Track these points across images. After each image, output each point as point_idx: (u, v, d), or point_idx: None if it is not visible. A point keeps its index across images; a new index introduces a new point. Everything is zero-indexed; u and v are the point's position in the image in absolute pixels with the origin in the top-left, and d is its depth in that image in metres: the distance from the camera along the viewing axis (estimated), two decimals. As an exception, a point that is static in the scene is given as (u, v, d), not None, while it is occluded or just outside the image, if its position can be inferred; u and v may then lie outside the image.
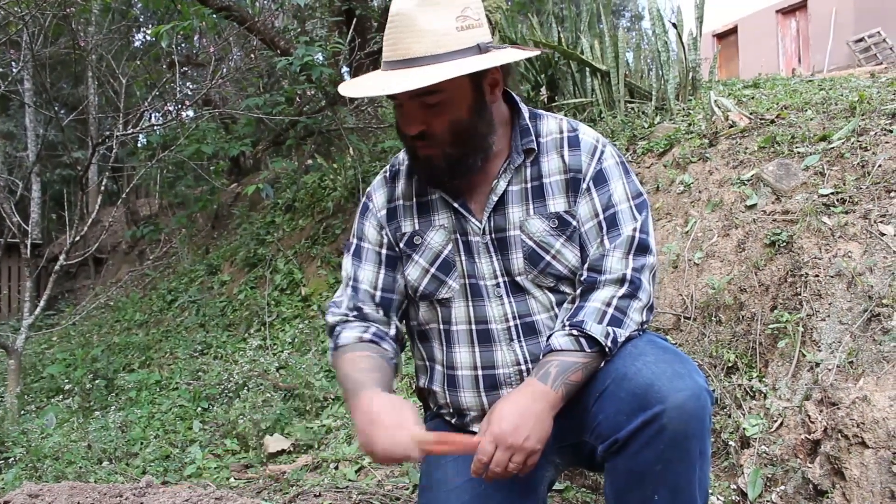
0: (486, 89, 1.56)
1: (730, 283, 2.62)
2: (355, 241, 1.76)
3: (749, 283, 2.57)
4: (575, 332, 1.49)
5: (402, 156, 1.74)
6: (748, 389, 2.33)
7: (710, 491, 2.09)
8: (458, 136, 1.53)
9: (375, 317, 1.69)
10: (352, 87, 1.58)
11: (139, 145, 9.37)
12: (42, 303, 5.33)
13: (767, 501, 2.01)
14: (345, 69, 6.90)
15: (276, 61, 6.16)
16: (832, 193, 2.61)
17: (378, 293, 1.70)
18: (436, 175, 1.59)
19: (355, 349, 1.63)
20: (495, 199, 1.61)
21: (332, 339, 1.69)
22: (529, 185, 1.62)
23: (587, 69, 4.48)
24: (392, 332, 1.70)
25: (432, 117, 1.51)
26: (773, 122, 3.35)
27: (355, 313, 1.69)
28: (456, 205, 1.63)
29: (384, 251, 1.72)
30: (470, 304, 1.64)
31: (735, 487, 2.11)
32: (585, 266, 1.58)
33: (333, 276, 5.50)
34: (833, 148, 2.83)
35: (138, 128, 6.16)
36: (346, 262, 1.76)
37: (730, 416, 2.28)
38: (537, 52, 1.90)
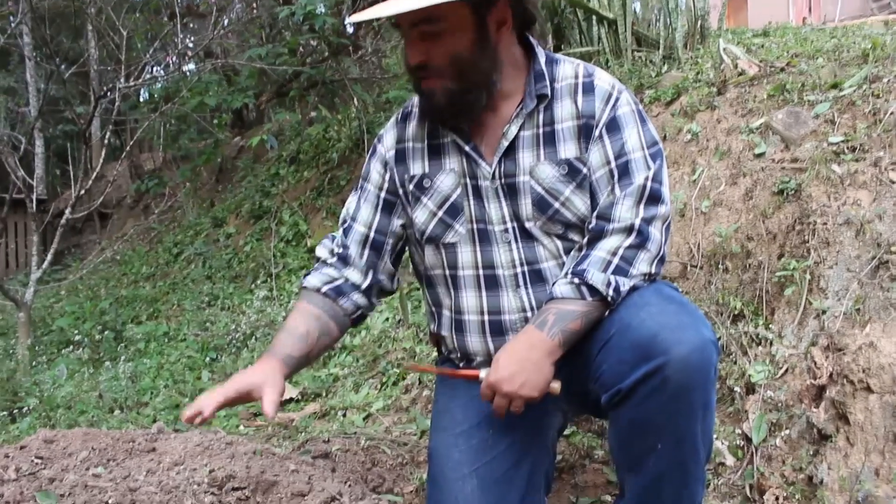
0: (490, 25, 1.53)
1: (737, 232, 2.61)
2: (361, 180, 1.78)
3: (756, 232, 2.56)
4: (576, 280, 1.49)
5: (415, 98, 1.72)
6: (754, 336, 2.34)
7: (716, 436, 2.11)
8: (458, 69, 1.51)
9: (356, 262, 1.73)
10: (358, 14, 1.55)
11: (141, 99, 9.32)
12: (49, 257, 5.35)
13: (771, 445, 2.03)
14: (347, 20, 6.80)
15: (278, 11, 6.09)
16: (842, 141, 2.59)
17: (372, 234, 1.73)
18: (437, 110, 1.58)
19: (309, 299, 1.71)
20: (506, 143, 1.59)
21: (304, 276, 1.76)
22: (541, 131, 1.60)
23: (594, 17, 4.41)
24: (366, 282, 1.73)
25: (433, 48, 1.50)
26: (783, 69, 3.30)
27: (340, 252, 1.73)
28: (467, 148, 1.61)
29: (383, 194, 1.73)
30: (477, 248, 1.64)
31: (740, 432, 2.13)
32: (595, 213, 1.56)
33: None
34: (844, 96, 2.80)
35: (140, 80, 6.12)
36: (350, 199, 1.79)
37: (735, 363, 2.30)
38: None
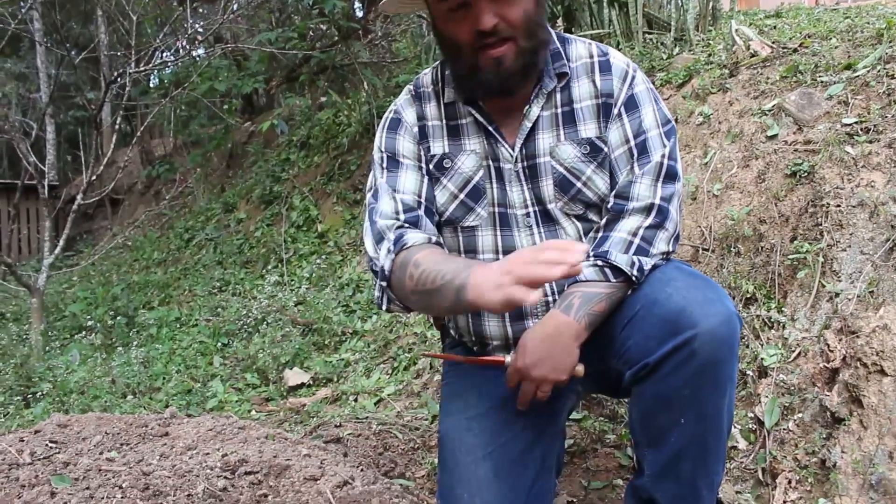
0: None
1: (749, 215, 2.60)
2: (386, 154, 1.66)
3: (769, 214, 2.55)
4: (600, 262, 1.50)
5: (425, 79, 1.70)
6: (766, 320, 2.33)
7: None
8: (529, 28, 1.48)
9: (427, 226, 1.58)
10: None
11: (151, 85, 9.32)
12: (61, 243, 5.38)
13: (784, 429, 2.03)
14: (357, 3, 6.78)
15: (287, -5, 6.07)
16: (856, 122, 2.56)
17: (423, 201, 1.61)
18: (506, 76, 1.49)
19: (427, 248, 1.50)
20: (529, 125, 1.58)
21: (393, 242, 1.53)
22: (560, 111, 1.59)
23: (604, 0, 4.38)
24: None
25: (506, 9, 1.45)
26: (795, 50, 3.27)
27: (408, 218, 1.57)
28: (491, 128, 1.59)
29: (423, 165, 1.64)
30: (498, 233, 1.63)
31: (752, 416, 2.12)
32: (613, 193, 1.57)
33: (349, 212, 5.50)
34: (858, 76, 2.77)
35: (150, 65, 6.11)
36: (380, 176, 1.65)
37: (748, 347, 2.29)
38: None
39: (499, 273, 1.22)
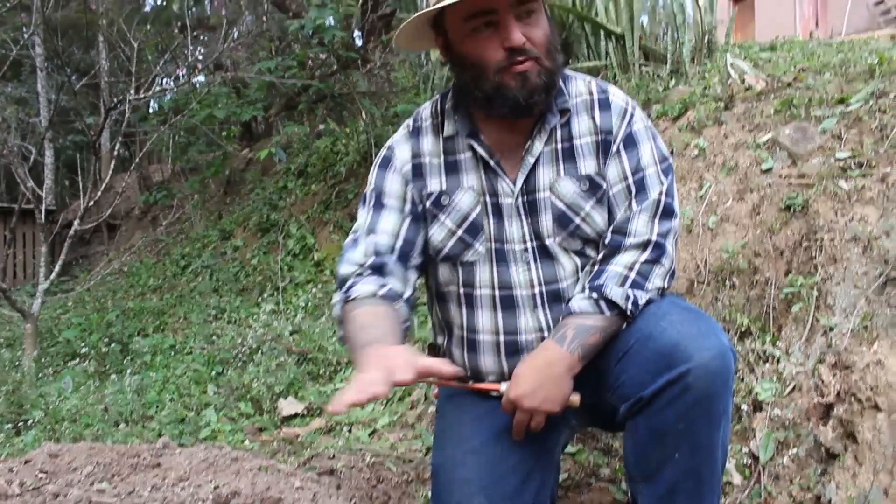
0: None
1: (744, 248, 2.61)
2: (373, 193, 1.68)
3: (763, 248, 2.55)
4: (595, 295, 1.50)
5: (424, 113, 1.70)
6: (761, 354, 2.33)
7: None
8: (549, 48, 1.52)
9: (394, 271, 1.61)
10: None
11: (151, 111, 9.37)
12: (57, 268, 5.37)
13: (779, 464, 2.02)
14: (356, 32, 6.84)
15: (287, 24, 6.12)
16: (849, 157, 2.58)
17: (399, 243, 1.63)
18: (531, 91, 1.50)
19: (372, 303, 1.54)
20: (532, 160, 1.59)
21: (343, 291, 1.59)
22: (560, 147, 1.60)
23: (601, 32, 4.43)
24: (407, 292, 1.62)
25: (530, 28, 1.48)
26: (789, 84, 3.30)
27: (372, 262, 1.60)
28: (492, 163, 1.60)
29: (408, 206, 1.65)
30: (494, 268, 1.63)
31: (747, 451, 2.11)
32: (611, 228, 1.58)
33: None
34: (851, 111, 2.80)
35: (150, 92, 6.15)
36: (362, 214, 1.68)
37: (742, 380, 2.28)
38: None
39: (360, 374, 1.28)
